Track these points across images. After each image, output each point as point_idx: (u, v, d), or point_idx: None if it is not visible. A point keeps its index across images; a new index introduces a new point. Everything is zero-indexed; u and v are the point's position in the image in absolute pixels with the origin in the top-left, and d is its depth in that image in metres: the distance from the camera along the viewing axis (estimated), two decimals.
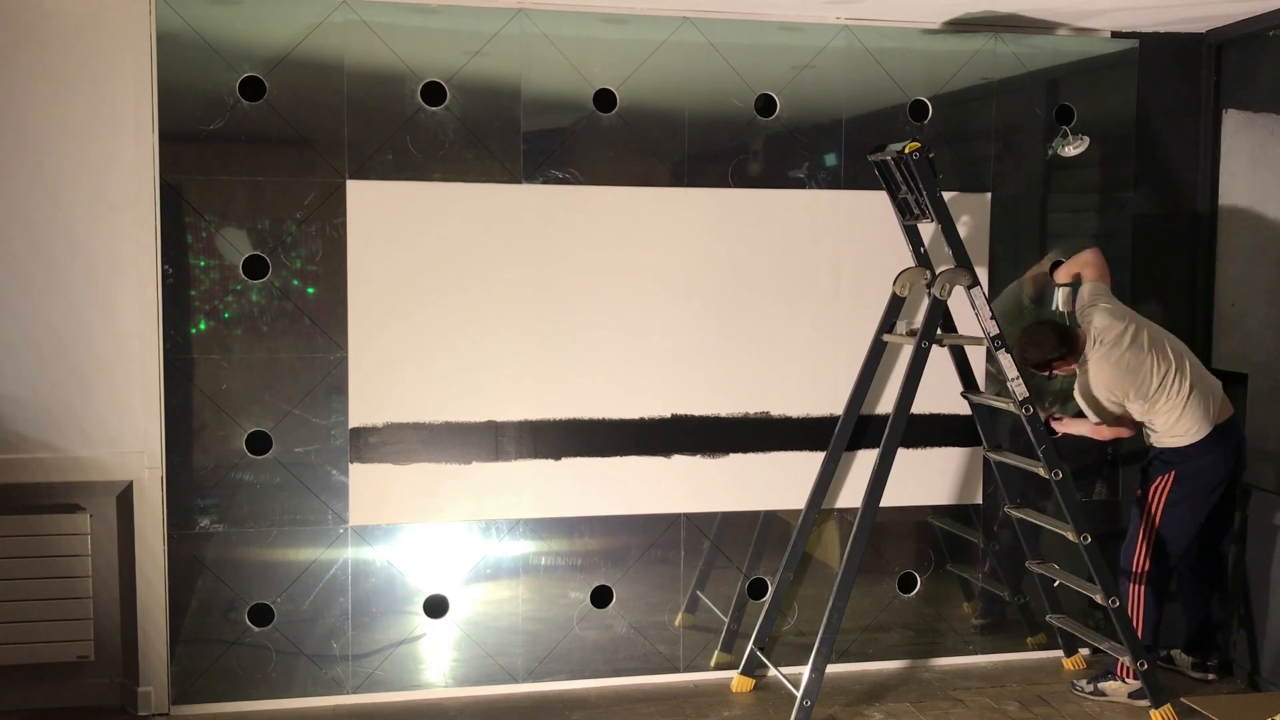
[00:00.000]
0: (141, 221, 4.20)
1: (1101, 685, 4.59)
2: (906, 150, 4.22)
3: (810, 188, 4.70)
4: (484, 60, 4.41)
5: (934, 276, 4.40)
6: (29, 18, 4.09)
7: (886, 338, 4.58)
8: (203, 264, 4.29)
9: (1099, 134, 4.89)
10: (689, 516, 4.72)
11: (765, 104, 4.65)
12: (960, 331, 4.65)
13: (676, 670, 4.76)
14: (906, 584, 4.95)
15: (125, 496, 4.27)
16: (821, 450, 4.67)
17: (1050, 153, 4.89)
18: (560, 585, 4.66)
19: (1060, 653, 4.94)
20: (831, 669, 4.48)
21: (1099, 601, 4.33)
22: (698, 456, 4.68)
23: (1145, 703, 4.41)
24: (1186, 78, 5.00)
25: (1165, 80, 4.98)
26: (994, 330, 4.29)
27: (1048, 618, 4.82)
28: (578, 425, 4.57)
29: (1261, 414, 4.77)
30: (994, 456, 4.70)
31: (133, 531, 4.26)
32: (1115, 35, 4.91)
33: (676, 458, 4.66)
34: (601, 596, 4.69)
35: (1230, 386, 4.88)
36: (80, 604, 4.23)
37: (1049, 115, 4.89)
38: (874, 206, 4.70)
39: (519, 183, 4.46)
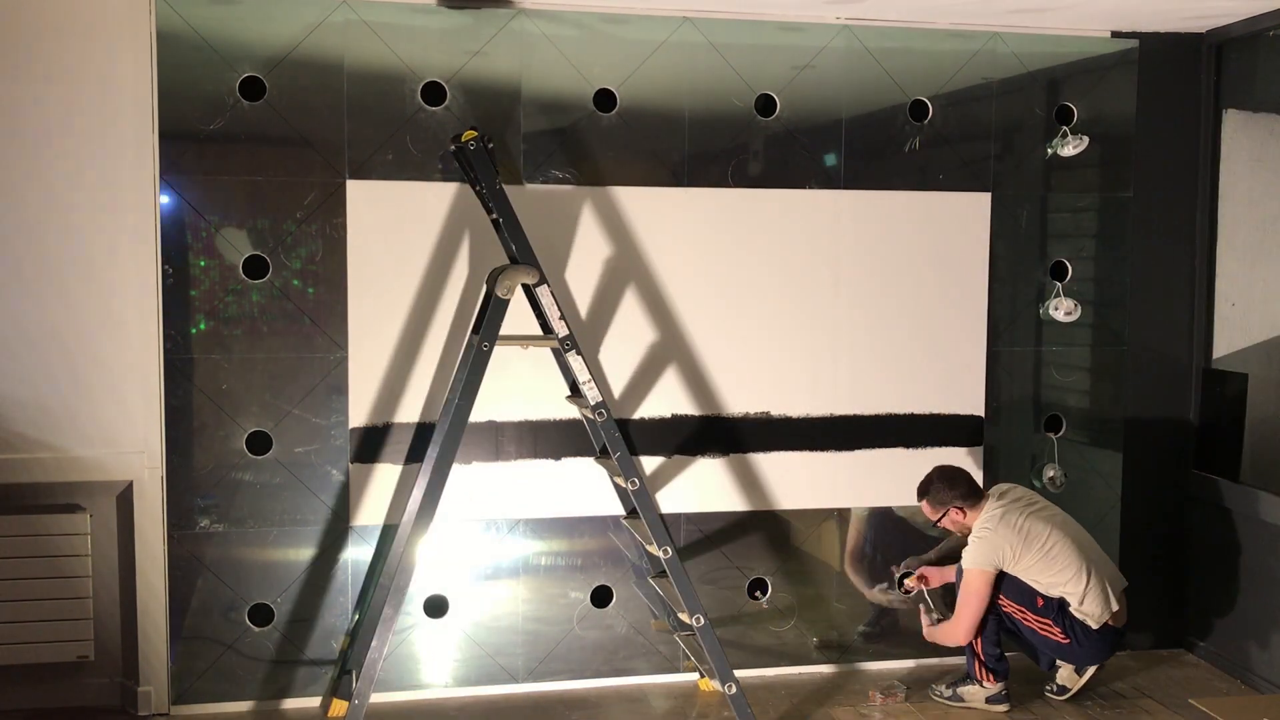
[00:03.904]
0: (141, 221, 4.20)
1: (960, 690, 4.53)
2: (464, 139, 3.96)
3: (810, 188, 4.70)
4: (484, 60, 4.41)
5: (497, 275, 4.02)
6: (29, 17, 4.09)
7: (476, 339, 4.10)
8: (203, 264, 4.29)
9: (1099, 134, 4.89)
10: (689, 516, 4.72)
11: (765, 104, 4.65)
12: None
13: (676, 670, 4.76)
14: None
15: (125, 496, 4.27)
16: (822, 450, 4.67)
17: (1049, 152, 4.89)
18: (560, 585, 4.66)
19: None
20: (832, 669, 4.49)
21: (685, 620, 4.11)
22: (698, 457, 4.68)
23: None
24: (1186, 78, 5.00)
25: (1165, 80, 4.98)
26: (564, 331, 4.05)
27: (674, 635, 4.62)
28: (578, 425, 4.57)
29: (1262, 414, 4.77)
30: (600, 463, 4.51)
31: (133, 531, 4.26)
32: (1115, 35, 4.91)
33: (677, 458, 4.66)
34: (601, 596, 4.69)
35: (1230, 386, 4.89)
36: (80, 604, 4.23)
37: (1049, 115, 4.89)
38: (874, 206, 4.70)
39: (519, 183, 4.46)
